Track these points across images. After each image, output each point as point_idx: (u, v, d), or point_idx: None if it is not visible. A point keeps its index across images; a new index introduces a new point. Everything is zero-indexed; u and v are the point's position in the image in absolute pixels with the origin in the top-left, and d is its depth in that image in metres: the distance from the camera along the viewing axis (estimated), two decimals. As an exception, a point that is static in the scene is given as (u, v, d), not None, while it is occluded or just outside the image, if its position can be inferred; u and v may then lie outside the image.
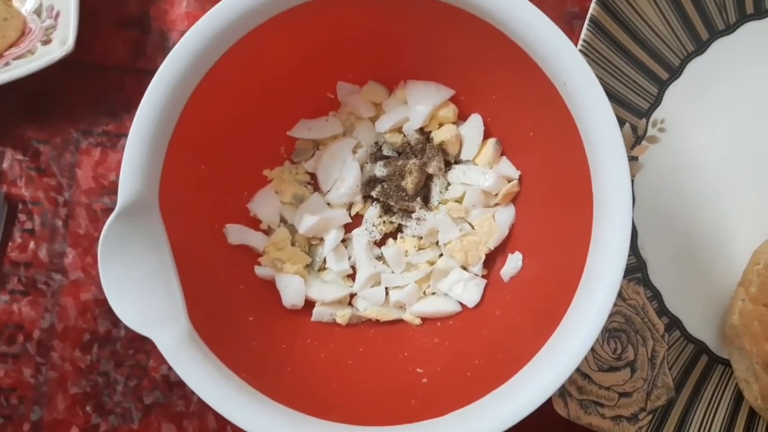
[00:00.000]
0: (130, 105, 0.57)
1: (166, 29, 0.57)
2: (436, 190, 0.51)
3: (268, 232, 0.51)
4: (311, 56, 0.48)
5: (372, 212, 0.52)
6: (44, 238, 0.56)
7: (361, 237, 0.51)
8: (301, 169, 0.52)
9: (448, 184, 0.51)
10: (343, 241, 0.52)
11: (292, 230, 0.51)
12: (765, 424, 0.53)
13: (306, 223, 0.50)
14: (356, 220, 0.52)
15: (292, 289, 0.50)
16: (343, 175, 0.51)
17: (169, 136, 0.42)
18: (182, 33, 0.42)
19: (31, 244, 0.56)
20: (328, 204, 0.52)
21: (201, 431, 0.55)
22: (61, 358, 0.55)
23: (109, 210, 0.56)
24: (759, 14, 0.54)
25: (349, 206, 0.52)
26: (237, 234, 0.49)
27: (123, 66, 0.57)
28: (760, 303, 0.49)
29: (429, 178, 0.52)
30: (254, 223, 0.51)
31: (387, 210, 0.52)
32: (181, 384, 0.40)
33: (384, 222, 0.51)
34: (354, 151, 0.52)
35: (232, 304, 0.47)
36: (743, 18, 0.54)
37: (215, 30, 0.41)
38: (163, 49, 0.57)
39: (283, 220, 0.52)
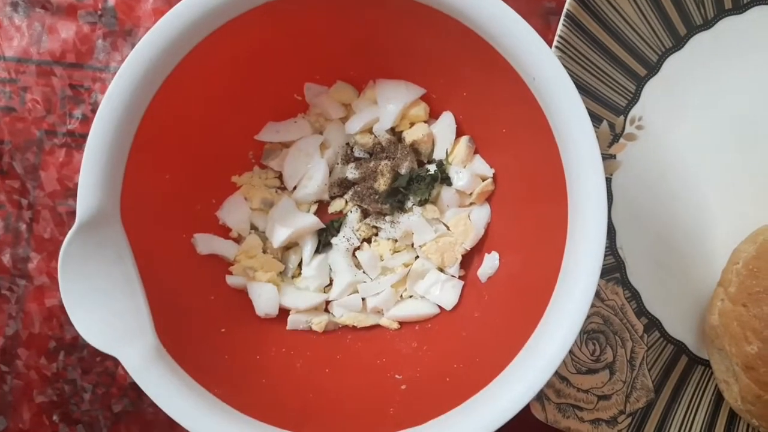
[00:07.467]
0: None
1: (132, 26, 0.55)
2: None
3: (238, 240, 0.50)
4: (277, 57, 0.46)
5: (352, 217, 0.51)
6: (7, 242, 0.54)
7: (340, 245, 0.50)
8: (271, 174, 0.51)
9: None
10: (318, 249, 0.51)
11: (263, 237, 0.50)
12: (745, 425, 0.53)
13: (279, 236, 0.49)
14: (325, 217, 0.51)
15: (265, 298, 0.49)
16: (311, 172, 0.50)
17: (130, 144, 0.41)
18: (149, 30, 0.40)
19: (-6, 250, 0.54)
20: (296, 202, 0.50)
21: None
22: (26, 366, 0.54)
23: (74, 213, 0.54)
24: (737, 9, 0.53)
25: (317, 204, 0.51)
26: (206, 243, 0.48)
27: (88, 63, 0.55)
28: (739, 303, 0.48)
29: (402, 179, 0.51)
30: (224, 232, 0.50)
31: (365, 214, 0.51)
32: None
33: (363, 226, 0.50)
34: (322, 150, 0.51)
35: (203, 316, 0.46)
36: (721, 13, 0.53)
37: (177, 29, 0.40)
38: (130, 46, 0.55)
39: (253, 227, 0.50)
